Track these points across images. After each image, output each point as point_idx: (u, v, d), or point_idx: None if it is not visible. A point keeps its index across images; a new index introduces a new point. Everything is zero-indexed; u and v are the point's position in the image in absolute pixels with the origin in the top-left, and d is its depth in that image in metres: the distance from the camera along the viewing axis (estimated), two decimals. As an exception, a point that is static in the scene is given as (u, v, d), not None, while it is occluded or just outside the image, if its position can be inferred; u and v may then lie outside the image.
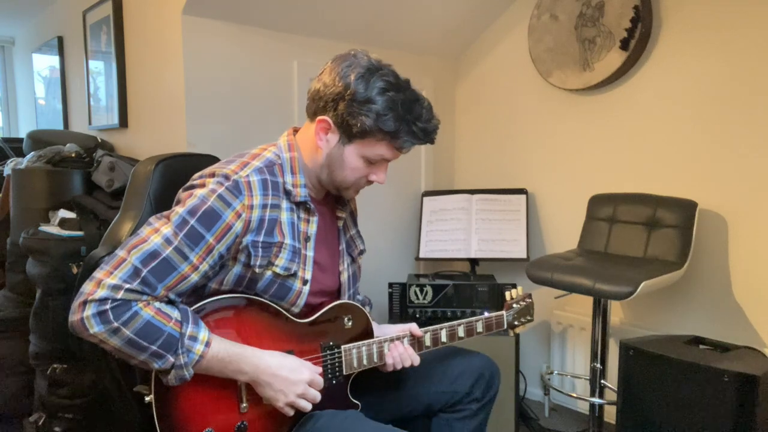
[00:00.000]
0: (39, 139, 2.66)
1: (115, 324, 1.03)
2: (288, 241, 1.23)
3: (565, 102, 2.61)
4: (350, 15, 2.42)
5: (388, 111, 1.18)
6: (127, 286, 1.05)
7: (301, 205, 1.27)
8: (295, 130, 1.33)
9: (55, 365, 2.01)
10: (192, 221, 1.11)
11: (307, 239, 1.28)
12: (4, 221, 2.46)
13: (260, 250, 1.18)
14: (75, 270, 1.97)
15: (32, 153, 2.44)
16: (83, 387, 2.01)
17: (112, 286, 1.04)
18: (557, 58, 2.52)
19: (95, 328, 1.02)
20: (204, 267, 1.13)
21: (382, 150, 1.24)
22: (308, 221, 1.28)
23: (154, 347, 1.06)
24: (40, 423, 2.02)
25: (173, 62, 2.18)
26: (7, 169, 2.56)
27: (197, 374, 1.12)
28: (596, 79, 2.40)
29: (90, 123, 2.95)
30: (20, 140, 2.91)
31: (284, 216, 1.23)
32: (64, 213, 2.17)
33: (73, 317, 1.04)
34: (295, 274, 1.24)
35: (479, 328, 1.46)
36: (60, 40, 3.31)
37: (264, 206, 1.19)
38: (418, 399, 1.44)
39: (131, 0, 2.50)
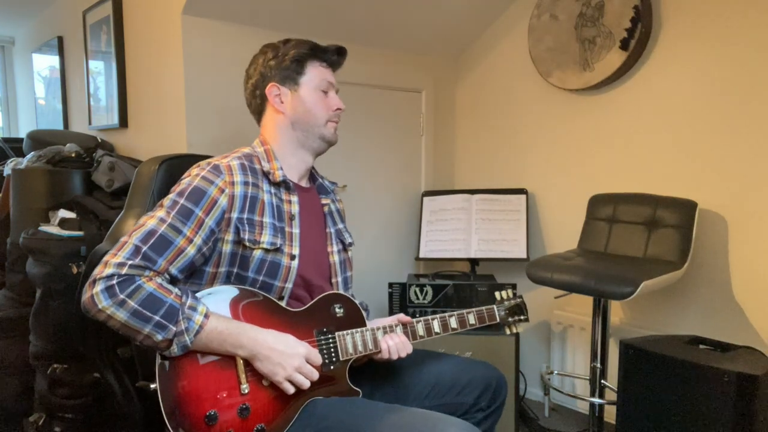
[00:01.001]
0: (39, 139, 2.66)
1: (121, 296, 1.12)
2: (267, 219, 1.33)
3: (565, 102, 2.61)
4: (350, 15, 2.42)
5: (299, 41, 1.45)
6: (131, 262, 1.15)
7: (281, 186, 1.39)
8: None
9: (55, 365, 2.01)
10: (181, 201, 1.25)
11: (291, 218, 1.38)
12: (4, 221, 2.46)
13: (246, 225, 1.29)
14: (75, 270, 1.97)
15: (32, 153, 2.44)
16: (83, 387, 2.01)
17: (117, 264, 1.15)
18: (557, 58, 2.52)
19: (103, 303, 1.12)
20: (198, 240, 1.24)
21: (320, 72, 1.44)
22: (290, 202, 1.39)
23: (157, 317, 1.14)
24: (40, 423, 2.02)
25: (173, 62, 2.18)
26: (7, 169, 2.56)
27: (197, 356, 1.18)
28: (596, 79, 2.40)
29: (90, 123, 2.95)
30: (20, 140, 2.91)
31: (265, 198, 1.34)
32: (64, 213, 2.17)
33: (84, 296, 1.14)
34: (280, 249, 1.33)
35: (471, 320, 1.49)
36: (60, 40, 3.31)
37: (245, 183, 1.31)
38: None
39: (131, 0, 2.50)
